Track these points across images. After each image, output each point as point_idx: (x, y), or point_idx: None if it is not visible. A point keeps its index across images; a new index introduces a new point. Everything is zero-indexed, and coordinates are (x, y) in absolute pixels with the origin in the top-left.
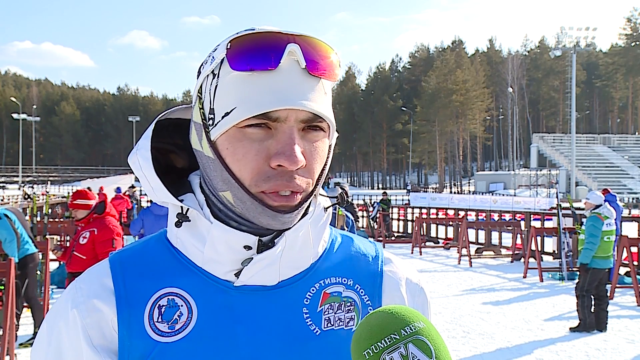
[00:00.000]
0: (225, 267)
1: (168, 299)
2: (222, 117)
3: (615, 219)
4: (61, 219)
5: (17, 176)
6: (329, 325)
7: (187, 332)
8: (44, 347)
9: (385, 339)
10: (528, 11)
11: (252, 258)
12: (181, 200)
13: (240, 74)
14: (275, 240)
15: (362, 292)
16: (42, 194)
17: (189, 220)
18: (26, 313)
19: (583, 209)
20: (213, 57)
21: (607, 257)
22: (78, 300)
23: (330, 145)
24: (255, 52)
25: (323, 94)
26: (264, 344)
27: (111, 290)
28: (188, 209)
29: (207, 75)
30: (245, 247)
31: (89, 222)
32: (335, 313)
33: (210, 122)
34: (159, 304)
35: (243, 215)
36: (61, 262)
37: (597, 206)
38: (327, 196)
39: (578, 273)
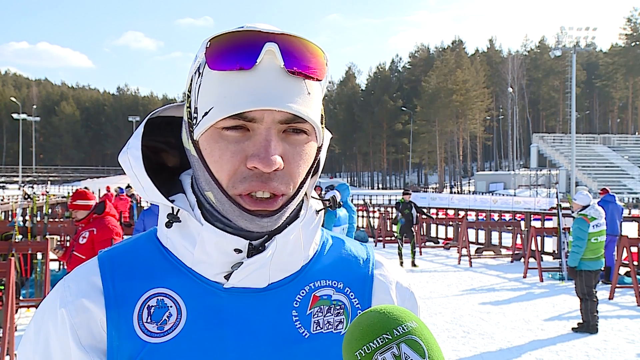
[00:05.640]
0: (215, 269)
1: (157, 299)
2: (202, 117)
3: (605, 218)
4: (61, 219)
5: (17, 176)
6: (318, 328)
7: (176, 333)
8: (32, 347)
9: (378, 339)
10: (528, 11)
11: (242, 262)
12: (172, 201)
13: (219, 73)
14: (266, 244)
15: (352, 295)
16: (42, 194)
17: (180, 221)
18: (26, 313)
19: (569, 208)
20: (197, 56)
21: (598, 258)
22: (67, 300)
23: (319, 148)
24: (232, 51)
25: (305, 94)
26: (252, 346)
27: (100, 289)
28: (179, 209)
29: (194, 74)
30: (235, 250)
31: (88, 222)
32: (324, 316)
33: (194, 120)
34: (149, 305)
35: (226, 216)
36: (61, 263)
37: (585, 207)
38: (319, 199)
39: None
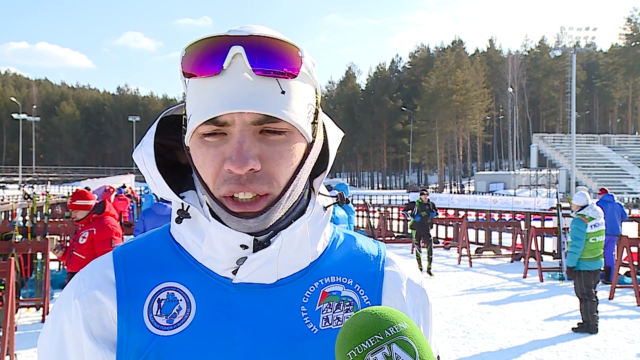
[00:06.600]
0: (223, 264)
1: (168, 293)
2: (187, 124)
3: (605, 218)
4: (61, 219)
5: (17, 176)
6: (327, 324)
7: (185, 327)
8: (48, 336)
9: (369, 339)
10: (528, 11)
11: (247, 257)
12: (182, 197)
13: (194, 80)
14: (271, 240)
15: (361, 292)
16: (42, 194)
17: (189, 217)
18: (26, 313)
19: (569, 208)
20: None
21: (597, 258)
22: (80, 291)
23: (311, 144)
24: (201, 58)
25: (278, 93)
26: (261, 341)
27: (112, 282)
28: (189, 205)
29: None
30: (241, 246)
31: (88, 222)
32: (333, 312)
33: (186, 127)
34: (159, 298)
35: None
36: (61, 263)
37: (583, 207)
38: (328, 195)
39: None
